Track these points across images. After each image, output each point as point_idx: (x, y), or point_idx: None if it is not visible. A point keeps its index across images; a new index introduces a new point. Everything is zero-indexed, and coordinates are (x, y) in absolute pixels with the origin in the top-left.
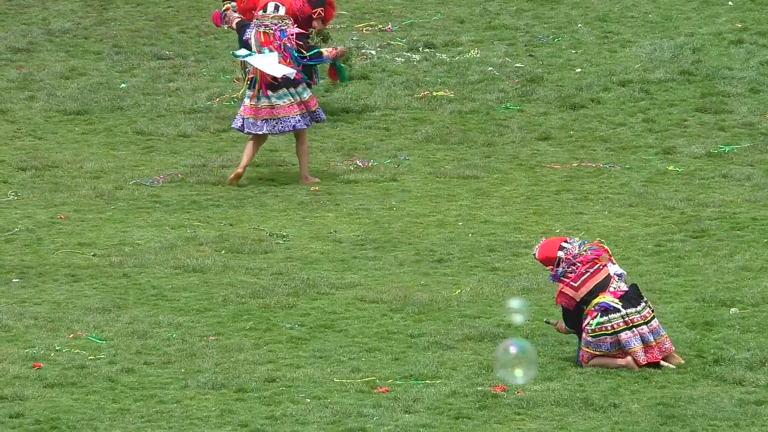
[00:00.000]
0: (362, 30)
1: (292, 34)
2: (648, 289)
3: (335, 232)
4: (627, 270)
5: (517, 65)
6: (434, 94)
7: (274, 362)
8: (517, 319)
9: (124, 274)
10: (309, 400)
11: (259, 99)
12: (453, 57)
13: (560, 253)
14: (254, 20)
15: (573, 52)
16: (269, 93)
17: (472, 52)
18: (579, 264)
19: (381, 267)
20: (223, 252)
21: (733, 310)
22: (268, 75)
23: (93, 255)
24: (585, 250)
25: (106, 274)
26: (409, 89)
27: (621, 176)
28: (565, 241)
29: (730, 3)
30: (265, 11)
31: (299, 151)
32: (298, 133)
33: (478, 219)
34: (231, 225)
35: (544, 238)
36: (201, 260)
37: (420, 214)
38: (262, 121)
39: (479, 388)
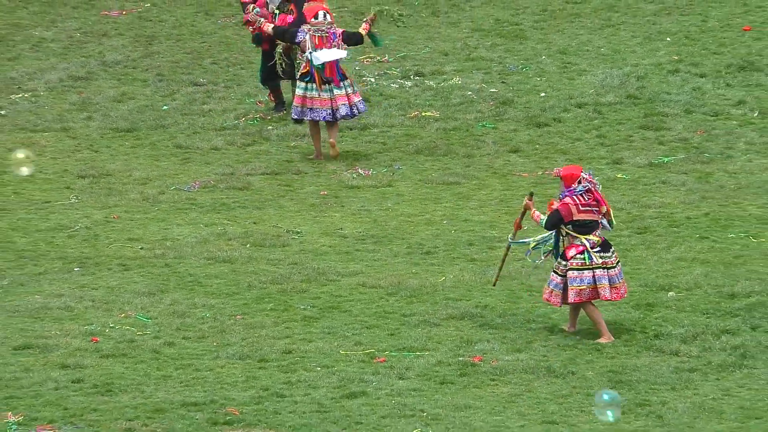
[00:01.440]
0: (363, 61)
1: (339, 35)
2: None
3: (341, 229)
4: None
5: (492, 90)
6: (423, 114)
7: (290, 337)
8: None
9: (166, 264)
10: (319, 369)
11: (316, 90)
12: (439, 83)
13: (584, 174)
14: (307, 26)
15: (538, 79)
16: (323, 87)
17: (454, 79)
18: (593, 193)
19: (379, 258)
20: (248, 246)
21: (670, 293)
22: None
23: (140, 248)
24: (599, 190)
25: (151, 264)
26: (402, 110)
27: None
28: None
29: (668, 39)
30: (316, 18)
31: (333, 129)
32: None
33: (460, 218)
34: (255, 223)
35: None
36: (230, 252)
37: (411, 214)
38: (319, 109)
39: (460, 359)
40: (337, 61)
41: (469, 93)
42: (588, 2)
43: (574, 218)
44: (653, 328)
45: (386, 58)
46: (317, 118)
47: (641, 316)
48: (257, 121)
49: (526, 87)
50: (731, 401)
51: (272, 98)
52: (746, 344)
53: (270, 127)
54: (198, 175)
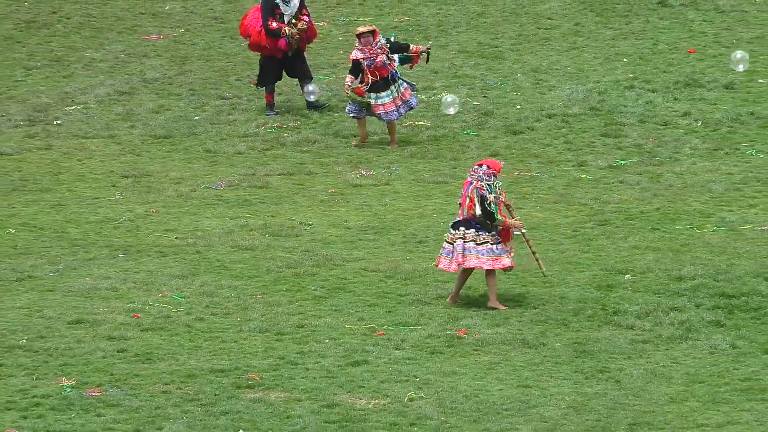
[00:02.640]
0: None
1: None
2: (567, 261)
3: (346, 221)
4: (552, 249)
5: (475, 103)
6: (416, 123)
7: (302, 313)
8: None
9: (197, 251)
10: (327, 341)
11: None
12: (430, 97)
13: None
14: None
15: (514, 94)
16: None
17: (443, 94)
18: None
19: (378, 246)
20: (266, 236)
21: (626, 276)
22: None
23: (175, 238)
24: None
25: (185, 251)
26: (399, 120)
27: (548, 182)
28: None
29: (625, 60)
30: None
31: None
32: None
33: (448, 212)
34: (272, 216)
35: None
36: (251, 241)
37: (406, 209)
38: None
39: (448, 332)
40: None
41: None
42: (557, 28)
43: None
44: (612, 305)
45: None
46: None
47: (602, 295)
48: (275, 129)
49: (504, 100)
50: (678, 368)
51: (268, 99)
52: (691, 320)
53: (285, 135)
54: (224, 176)
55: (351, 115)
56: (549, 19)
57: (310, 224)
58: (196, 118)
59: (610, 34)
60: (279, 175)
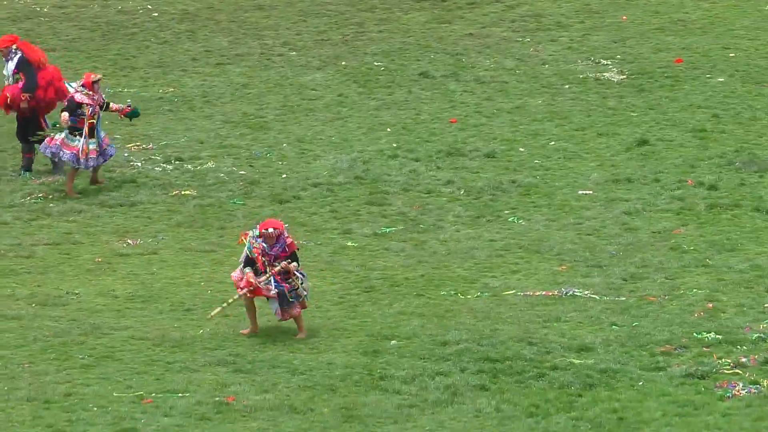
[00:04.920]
0: (131, 148)
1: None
2: (334, 328)
3: (113, 290)
4: (319, 315)
5: (241, 172)
6: (183, 193)
7: (71, 382)
8: None
9: None
10: (96, 408)
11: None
12: (196, 167)
13: (263, 230)
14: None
15: (280, 163)
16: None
17: (209, 163)
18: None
19: (146, 315)
20: (33, 305)
21: (392, 342)
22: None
23: None
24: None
25: None
26: (164, 190)
27: (315, 249)
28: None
29: (388, 129)
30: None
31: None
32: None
33: (216, 280)
34: (39, 286)
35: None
36: (17, 311)
37: (174, 277)
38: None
39: (216, 399)
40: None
41: (222, 175)
42: (321, 99)
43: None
44: (379, 371)
45: (151, 146)
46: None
47: (369, 360)
48: (40, 199)
49: (270, 169)
50: None
51: (24, 156)
52: (456, 384)
53: (51, 205)
54: None
55: (70, 163)
56: (313, 90)
57: (77, 293)
58: None
59: (373, 105)
60: (45, 244)
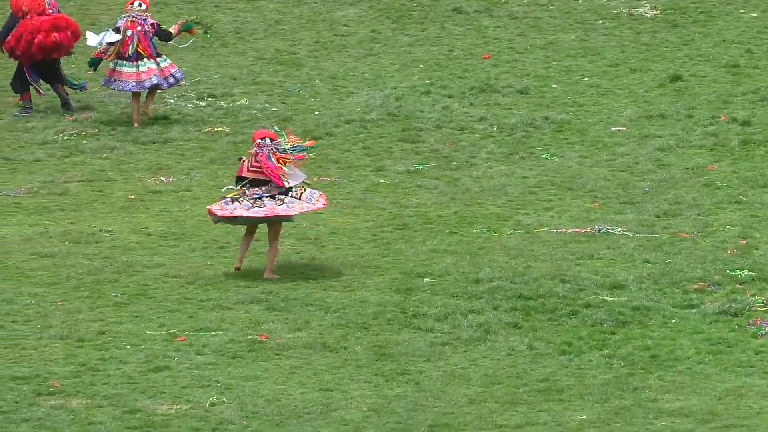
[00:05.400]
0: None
1: (151, 24)
2: (367, 266)
3: (146, 228)
4: (352, 253)
5: (274, 109)
6: (216, 130)
7: (103, 320)
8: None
9: None
10: (129, 347)
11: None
12: (228, 104)
13: (259, 140)
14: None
15: (312, 100)
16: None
17: (242, 100)
18: (259, 156)
19: (179, 252)
20: (66, 242)
21: (425, 279)
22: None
23: None
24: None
25: None
26: (197, 127)
27: (348, 186)
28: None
29: (421, 66)
30: (132, 6)
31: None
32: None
33: None
34: (72, 223)
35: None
36: (50, 249)
37: (206, 215)
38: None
39: (249, 337)
40: (150, 37)
41: (255, 111)
42: (354, 35)
43: (243, 175)
44: (412, 308)
45: (183, 83)
46: (124, 89)
47: (402, 299)
48: (74, 136)
49: (303, 107)
50: (477, 369)
51: (22, 100)
52: (489, 321)
53: (84, 142)
54: (23, 183)
55: (102, 83)
56: (345, 26)
57: (110, 231)
58: None
59: (406, 41)
60: (78, 182)
